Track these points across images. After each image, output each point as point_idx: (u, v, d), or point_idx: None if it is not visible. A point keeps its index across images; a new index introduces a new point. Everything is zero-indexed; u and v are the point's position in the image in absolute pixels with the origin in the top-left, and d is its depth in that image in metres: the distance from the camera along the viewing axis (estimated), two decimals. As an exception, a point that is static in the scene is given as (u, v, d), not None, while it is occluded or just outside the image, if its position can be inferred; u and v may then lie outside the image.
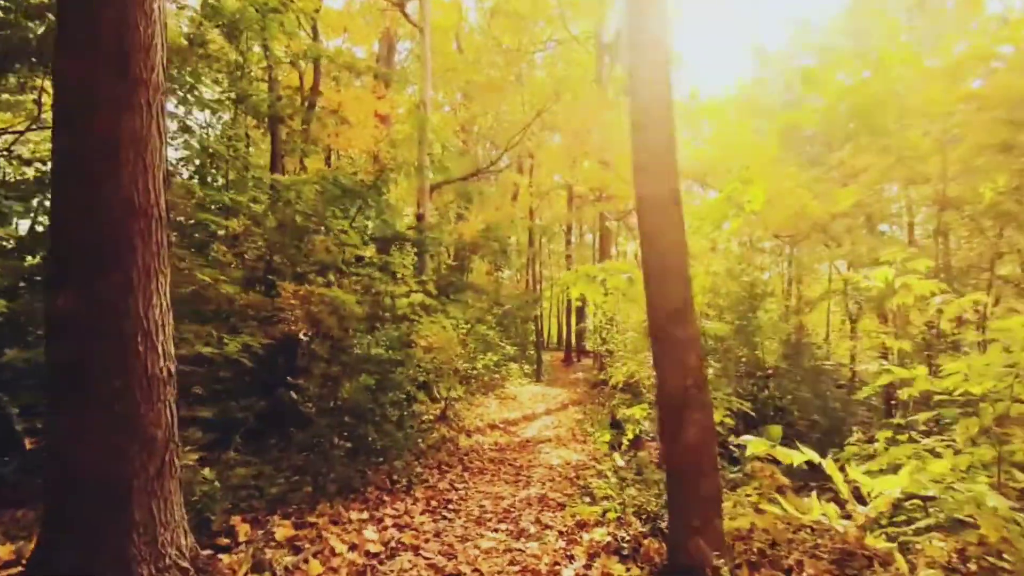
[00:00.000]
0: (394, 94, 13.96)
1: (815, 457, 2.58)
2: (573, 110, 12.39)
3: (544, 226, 24.86)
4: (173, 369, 2.81)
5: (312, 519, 4.11)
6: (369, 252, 7.37)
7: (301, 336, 6.31)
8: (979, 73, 8.26)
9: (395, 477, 5.24)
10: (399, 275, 6.24)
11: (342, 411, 4.88)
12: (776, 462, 3.92)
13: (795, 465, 3.21)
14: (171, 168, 7.18)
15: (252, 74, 9.59)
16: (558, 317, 34.79)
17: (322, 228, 6.55)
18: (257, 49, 10.73)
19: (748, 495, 3.59)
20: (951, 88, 8.25)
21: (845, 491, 2.57)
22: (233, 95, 8.79)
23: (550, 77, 13.70)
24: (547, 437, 8.11)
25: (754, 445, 2.87)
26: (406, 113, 14.00)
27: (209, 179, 7.97)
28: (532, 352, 16.03)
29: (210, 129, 8.66)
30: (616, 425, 7.47)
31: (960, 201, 8.51)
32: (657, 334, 3.20)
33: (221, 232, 7.08)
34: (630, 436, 4.50)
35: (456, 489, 5.29)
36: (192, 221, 6.62)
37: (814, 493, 2.68)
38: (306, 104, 11.40)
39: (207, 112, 8.89)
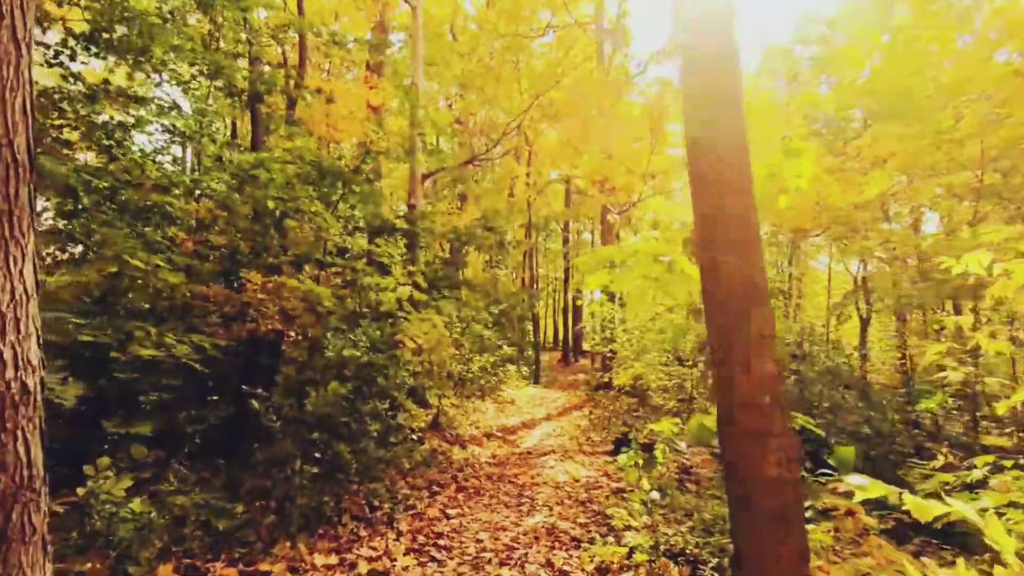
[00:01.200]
0: (387, 83, 13.09)
1: (970, 515, 1.73)
2: (574, 96, 11.55)
3: (542, 223, 24.08)
4: (34, 383, 1.91)
5: (265, 566, 3.23)
6: (357, 243, 6.48)
7: (275, 335, 5.43)
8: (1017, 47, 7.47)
9: (375, 503, 4.36)
10: (388, 265, 5.36)
11: (312, 425, 3.99)
12: (845, 494, 3.09)
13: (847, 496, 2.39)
14: (142, 153, 6.31)
15: (228, 49, 8.70)
16: (554, 317, 33.97)
17: (299, 214, 5.67)
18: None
19: (824, 543, 2.74)
20: (988, 65, 7.49)
21: (1009, 550, 1.72)
22: (205, 70, 7.87)
23: (549, 64, 12.85)
24: (550, 447, 7.25)
25: (872, 489, 2.02)
26: (399, 104, 13.11)
27: (178, 160, 7.09)
28: (530, 353, 15.16)
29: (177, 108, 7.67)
30: (625, 438, 6.61)
31: (996, 188, 7.73)
32: (719, 330, 2.34)
33: (189, 219, 6.20)
34: (660, 459, 3.66)
35: (448, 517, 4.41)
36: (148, 202, 5.75)
37: (961, 561, 1.84)
38: (291, 83, 10.49)
39: (178, 89, 8.01)
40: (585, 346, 28.30)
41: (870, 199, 8.22)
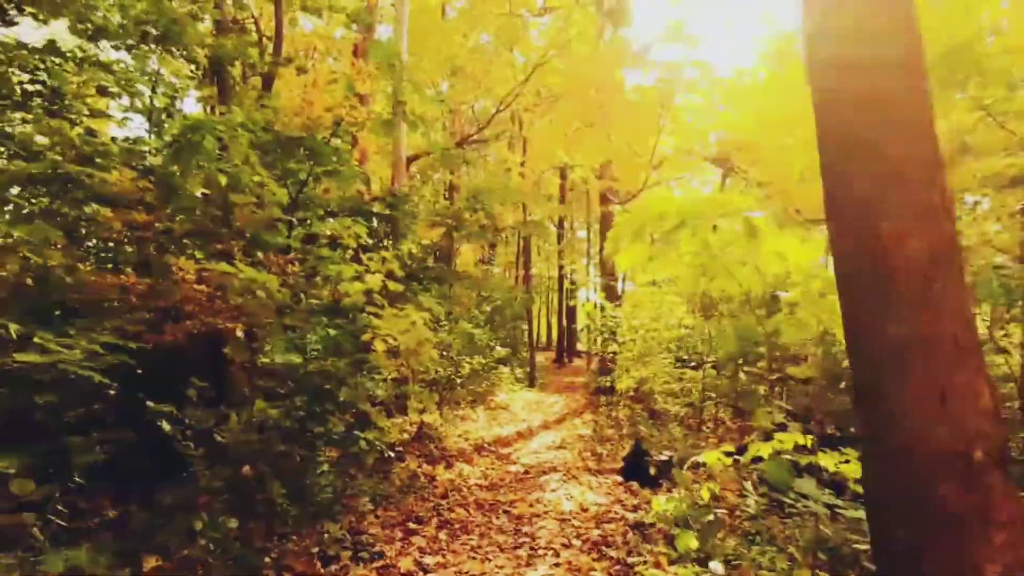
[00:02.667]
0: (374, 68, 12.01)
1: None
2: (571, 79, 10.55)
3: (536, 218, 23.16)
4: None
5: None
6: (322, 226, 5.42)
7: (214, 337, 4.36)
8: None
9: (330, 552, 3.31)
10: (354, 247, 4.31)
11: (241, 456, 2.94)
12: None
13: None
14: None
15: (182, 8, 7.60)
16: (548, 316, 33.03)
17: (244, 188, 4.62)
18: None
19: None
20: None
21: None
22: (153, 30, 6.79)
23: (545, 41, 11.81)
24: (550, 464, 6.22)
25: None
26: (385, 91, 12.02)
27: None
28: (524, 354, 14.14)
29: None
30: (637, 456, 5.61)
31: None
32: (874, 328, 1.32)
33: (118, 195, 5.13)
34: (706, 499, 2.65)
35: (425, 570, 3.37)
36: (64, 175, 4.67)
37: None
38: (265, 56, 9.38)
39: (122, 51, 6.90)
40: (579, 346, 27.35)
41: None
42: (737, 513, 3.84)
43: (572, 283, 24.14)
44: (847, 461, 2.64)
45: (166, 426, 2.92)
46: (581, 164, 11.67)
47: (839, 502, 2.52)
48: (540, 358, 19.05)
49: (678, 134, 11.87)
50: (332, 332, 3.58)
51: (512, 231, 15.30)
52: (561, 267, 23.50)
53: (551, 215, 23.30)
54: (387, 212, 6.65)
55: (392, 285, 4.28)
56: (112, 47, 6.49)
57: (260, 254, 4.98)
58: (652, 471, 5.42)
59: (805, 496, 2.26)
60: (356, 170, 5.63)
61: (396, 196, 6.75)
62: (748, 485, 3.13)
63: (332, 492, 3.40)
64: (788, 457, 2.56)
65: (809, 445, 2.82)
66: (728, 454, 2.84)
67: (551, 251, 27.49)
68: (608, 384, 10.06)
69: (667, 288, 10.85)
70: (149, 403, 2.95)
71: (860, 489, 1.98)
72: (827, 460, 2.68)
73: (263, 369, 3.46)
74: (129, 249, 5.20)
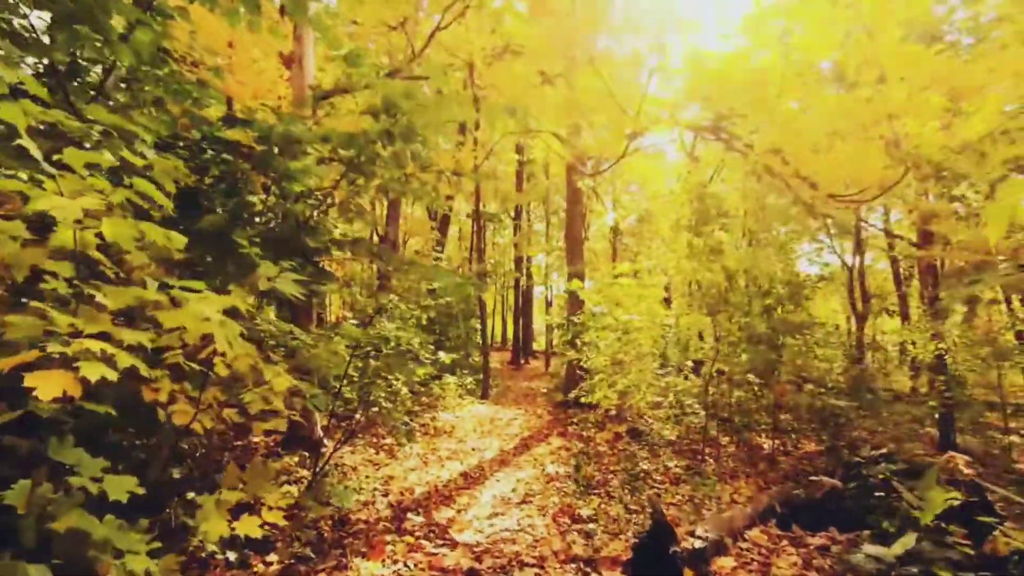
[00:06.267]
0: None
1: None
2: (541, 26, 8.22)
3: (495, 212, 20.91)
4: None
5: None
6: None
7: None
8: None
9: None
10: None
11: None
12: None
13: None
14: None
15: None
16: (503, 315, 30.66)
17: None
18: None
19: None
20: None
21: None
22: None
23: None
24: (513, 546, 3.78)
25: None
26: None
27: None
28: (476, 358, 11.65)
29: None
30: (657, 544, 3.28)
31: None
32: None
33: None
34: None
35: None
36: None
37: None
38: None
39: None
40: (535, 345, 25.14)
41: (973, 139, 5.39)
42: None
43: (528, 276, 21.94)
44: None
45: None
46: (546, 130, 9.33)
47: None
48: (494, 360, 16.65)
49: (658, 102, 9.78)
50: None
51: (451, 199, 12.77)
52: (517, 259, 21.20)
53: (506, 204, 21.00)
54: (261, 150, 4.01)
55: (153, 233, 1.74)
56: None
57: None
58: (687, 573, 3.12)
59: None
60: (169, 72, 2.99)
61: (283, 121, 4.09)
62: None
63: None
64: None
65: None
66: None
67: (507, 245, 25.18)
68: (583, 398, 7.78)
69: (649, 279, 8.74)
70: None
71: None
72: None
73: None
74: None
